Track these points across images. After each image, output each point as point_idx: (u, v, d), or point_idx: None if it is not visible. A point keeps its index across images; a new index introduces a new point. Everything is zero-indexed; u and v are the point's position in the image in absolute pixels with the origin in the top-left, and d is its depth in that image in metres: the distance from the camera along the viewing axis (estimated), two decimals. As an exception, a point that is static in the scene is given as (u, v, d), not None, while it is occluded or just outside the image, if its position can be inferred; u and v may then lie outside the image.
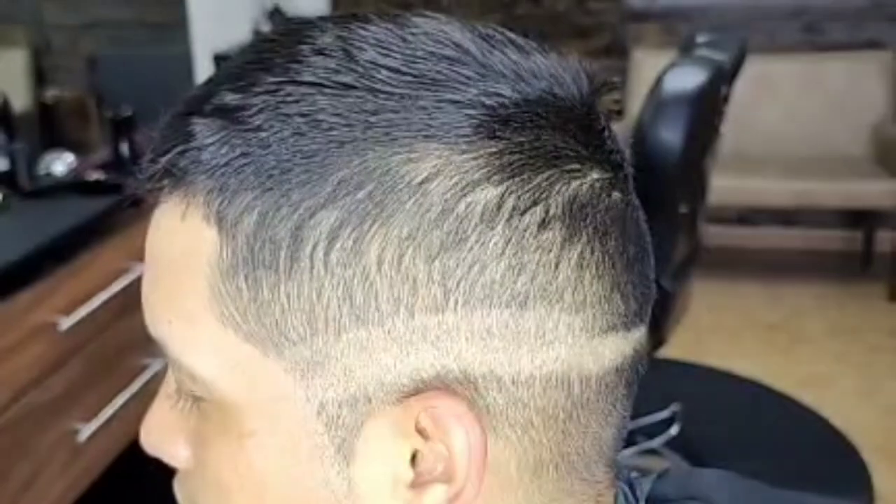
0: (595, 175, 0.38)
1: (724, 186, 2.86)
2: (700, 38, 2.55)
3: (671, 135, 1.98)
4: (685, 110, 2.02)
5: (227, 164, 0.36)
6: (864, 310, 3.29)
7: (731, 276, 3.50)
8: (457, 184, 0.35)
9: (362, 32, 0.37)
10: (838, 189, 3.41)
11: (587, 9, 3.81)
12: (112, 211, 1.91)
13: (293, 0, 3.70)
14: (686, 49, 2.48)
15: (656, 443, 2.31)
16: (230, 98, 0.37)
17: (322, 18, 0.39)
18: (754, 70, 2.87)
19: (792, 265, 3.67)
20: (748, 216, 3.78)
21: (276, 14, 3.43)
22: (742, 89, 2.61)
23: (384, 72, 0.36)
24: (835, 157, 3.54)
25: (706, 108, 2.13)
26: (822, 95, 3.60)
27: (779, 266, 3.67)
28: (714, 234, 3.23)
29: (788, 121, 3.63)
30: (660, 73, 2.09)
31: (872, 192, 3.37)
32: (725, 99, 2.37)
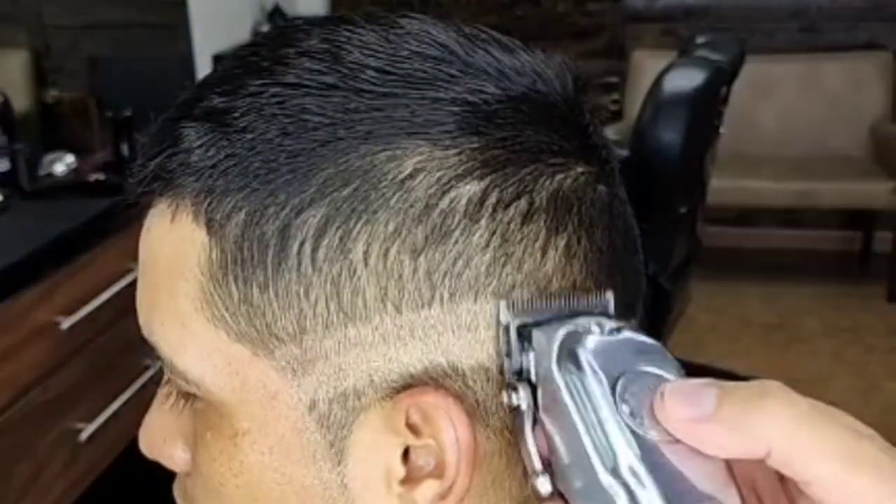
0: (580, 169, 0.38)
1: (723, 187, 2.86)
2: (699, 39, 2.56)
3: (670, 135, 1.99)
4: (684, 111, 2.02)
5: (214, 166, 0.36)
6: (863, 310, 3.29)
7: (730, 276, 3.50)
8: (440, 179, 0.35)
9: (347, 34, 0.38)
10: (837, 189, 3.41)
11: (586, 10, 3.81)
12: (112, 211, 1.91)
13: (293, 1, 3.70)
14: (685, 50, 2.49)
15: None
16: (217, 101, 0.37)
17: (308, 22, 0.40)
18: (753, 71, 2.87)
19: (791, 265, 3.68)
20: (747, 216, 3.78)
21: (276, 15, 3.43)
22: (741, 90, 2.62)
23: (368, 72, 0.36)
24: (833, 158, 3.54)
25: (705, 109, 2.14)
26: (821, 96, 3.60)
27: (778, 266, 3.67)
28: (713, 235, 3.24)
29: (787, 121, 3.63)
30: (659, 73, 2.10)
31: (871, 192, 3.37)
32: (724, 99, 2.37)
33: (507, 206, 0.36)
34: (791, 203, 3.51)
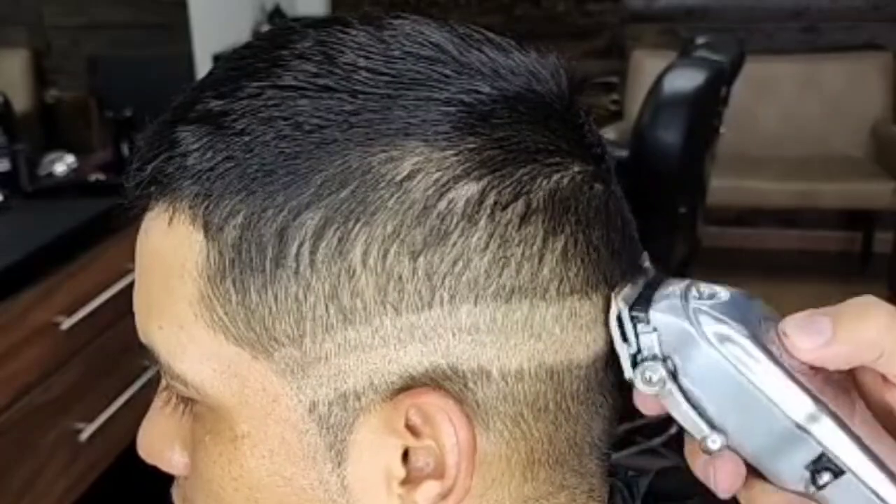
0: (576, 168, 0.38)
1: (723, 187, 2.87)
2: (699, 39, 2.57)
3: (670, 135, 1.99)
4: (684, 111, 2.02)
5: (211, 168, 0.36)
6: (863, 310, 3.29)
7: (730, 276, 3.45)
8: (437, 180, 0.35)
9: (341, 36, 0.38)
10: (837, 190, 3.41)
11: (586, 10, 3.81)
12: (112, 211, 1.91)
13: (293, 1, 3.70)
14: (685, 50, 2.49)
15: (656, 443, 2.31)
16: (214, 104, 0.37)
17: (303, 23, 0.40)
18: (753, 71, 2.87)
19: (791, 266, 3.67)
20: (747, 217, 3.78)
21: (276, 15, 3.43)
22: (741, 90, 2.62)
23: (363, 73, 0.36)
24: (834, 158, 3.54)
25: (705, 109, 2.14)
26: (821, 96, 3.60)
27: (778, 266, 3.67)
28: (713, 235, 3.24)
29: (787, 122, 3.63)
30: (659, 74, 2.10)
31: (871, 192, 3.37)
32: (724, 100, 2.38)
33: (504, 208, 0.36)
34: (791, 203, 3.51)
